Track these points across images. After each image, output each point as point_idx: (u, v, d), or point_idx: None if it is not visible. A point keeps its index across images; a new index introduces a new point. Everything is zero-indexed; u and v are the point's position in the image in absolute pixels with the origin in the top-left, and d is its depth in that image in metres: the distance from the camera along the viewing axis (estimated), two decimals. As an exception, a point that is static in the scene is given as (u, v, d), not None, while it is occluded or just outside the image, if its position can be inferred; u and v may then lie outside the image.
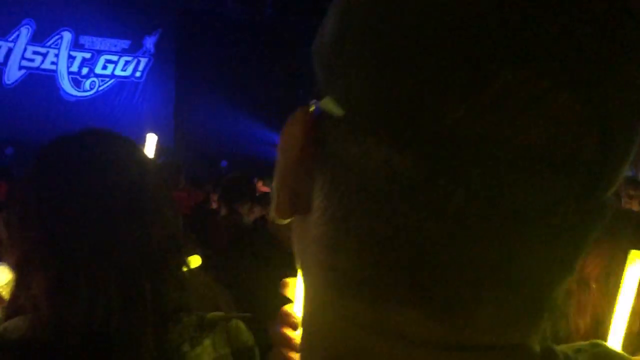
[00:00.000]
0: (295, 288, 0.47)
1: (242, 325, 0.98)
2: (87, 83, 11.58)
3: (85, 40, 11.45)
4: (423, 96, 0.27)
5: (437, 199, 0.27)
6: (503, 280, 0.29)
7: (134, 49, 11.95)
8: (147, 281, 0.84)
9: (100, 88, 11.72)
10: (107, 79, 11.79)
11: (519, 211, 0.27)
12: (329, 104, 0.31)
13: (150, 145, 2.44)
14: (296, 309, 0.47)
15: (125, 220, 0.85)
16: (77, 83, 11.47)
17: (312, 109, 0.33)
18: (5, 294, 0.98)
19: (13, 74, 10.78)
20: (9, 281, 0.95)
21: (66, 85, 11.35)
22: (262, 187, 4.86)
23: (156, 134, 2.55)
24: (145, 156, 0.97)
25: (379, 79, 0.28)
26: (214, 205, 4.35)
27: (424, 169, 0.27)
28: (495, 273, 0.28)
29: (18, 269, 0.87)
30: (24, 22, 10.71)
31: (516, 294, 0.29)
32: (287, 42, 13.10)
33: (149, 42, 12.08)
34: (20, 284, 0.86)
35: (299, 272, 0.37)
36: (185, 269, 0.93)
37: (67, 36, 11.24)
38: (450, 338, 0.29)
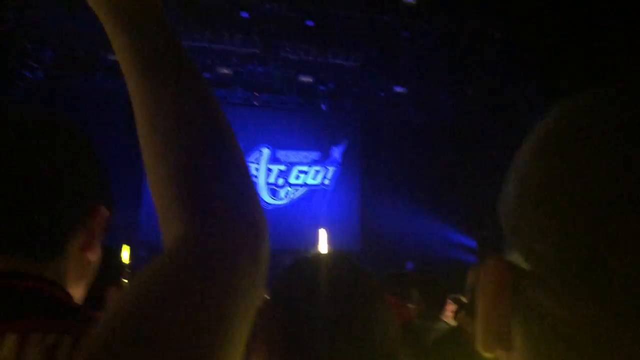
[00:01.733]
0: None
1: None
2: (283, 192, 12.62)
3: (280, 154, 12.65)
4: (600, 251, 0.30)
5: (628, 344, 0.29)
6: None
7: (322, 159, 12.85)
8: None
9: (294, 197, 12.67)
10: (300, 188, 12.73)
11: None
12: (517, 259, 0.36)
13: (322, 240, 2.58)
14: None
15: (358, 343, 0.91)
16: (273, 193, 12.56)
17: (502, 258, 0.38)
18: None
19: (221, 188, 12.18)
20: None
21: (264, 195, 12.49)
22: (449, 306, 4.52)
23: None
24: (369, 276, 1.02)
25: (558, 241, 0.32)
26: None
27: (609, 315, 0.30)
28: None
29: None
30: (231, 142, 12.22)
31: None
32: (471, 145, 13.05)
33: (336, 152, 12.91)
34: None
35: None
36: None
37: (265, 152, 12.55)
38: None
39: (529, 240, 0.34)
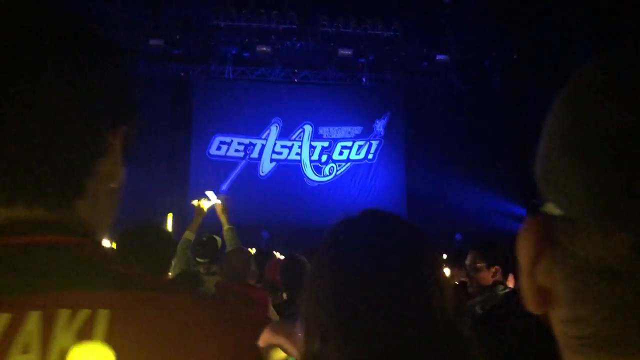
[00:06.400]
0: None
1: None
2: (327, 169, 12.62)
3: (323, 130, 12.62)
4: (624, 184, 0.32)
5: None
6: None
7: (365, 134, 12.76)
8: None
9: (338, 172, 12.66)
10: (344, 164, 12.70)
11: None
12: (550, 208, 0.37)
13: None
14: None
15: (410, 304, 0.86)
16: (317, 170, 12.58)
17: (538, 214, 0.39)
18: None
19: (266, 167, 12.32)
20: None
21: (309, 172, 12.52)
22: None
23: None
24: (424, 238, 0.97)
25: (583, 180, 0.34)
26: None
27: None
28: None
29: (305, 334, 0.93)
30: (273, 120, 12.29)
31: None
32: (517, 112, 12.69)
33: (379, 126, 12.78)
34: (308, 350, 0.92)
35: None
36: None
37: (308, 129, 12.54)
38: None
39: (558, 185, 0.36)
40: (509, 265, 3.28)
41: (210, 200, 4.18)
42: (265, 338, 1.21)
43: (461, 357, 0.87)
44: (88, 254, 0.58)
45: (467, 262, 3.30)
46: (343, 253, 0.94)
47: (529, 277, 0.39)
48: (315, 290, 0.93)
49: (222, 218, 4.10)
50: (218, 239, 4.38)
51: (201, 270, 4.02)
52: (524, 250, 0.39)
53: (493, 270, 3.15)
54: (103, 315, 0.53)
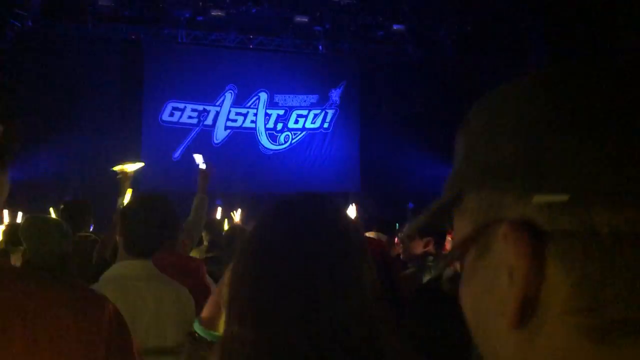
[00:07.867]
0: None
1: None
2: (282, 137, 12.54)
3: (279, 98, 12.49)
4: (626, 162, 0.31)
5: None
6: None
7: (321, 102, 12.71)
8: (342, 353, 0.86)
9: (293, 141, 12.61)
10: (299, 132, 12.65)
11: None
12: (549, 197, 0.32)
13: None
14: None
15: (326, 290, 0.88)
16: (273, 138, 12.49)
17: (512, 218, 0.35)
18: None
19: (220, 134, 12.14)
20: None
21: (264, 140, 12.42)
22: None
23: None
24: (350, 223, 0.99)
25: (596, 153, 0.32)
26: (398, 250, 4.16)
27: None
28: None
29: (226, 316, 0.95)
30: (227, 87, 12.07)
31: None
32: (471, 81, 12.87)
33: (335, 95, 12.75)
34: (227, 332, 0.94)
35: None
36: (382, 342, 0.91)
37: (263, 96, 12.39)
38: None
39: (562, 166, 0.32)
40: (442, 238, 3.35)
41: (134, 166, 3.97)
42: (210, 306, 1.21)
43: (374, 347, 0.89)
44: None
45: (403, 230, 3.36)
46: (265, 237, 0.97)
47: (522, 289, 0.33)
48: (238, 273, 0.95)
49: (201, 184, 3.89)
50: None
51: None
52: (520, 265, 0.33)
53: (425, 240, 3.20)
54: None
